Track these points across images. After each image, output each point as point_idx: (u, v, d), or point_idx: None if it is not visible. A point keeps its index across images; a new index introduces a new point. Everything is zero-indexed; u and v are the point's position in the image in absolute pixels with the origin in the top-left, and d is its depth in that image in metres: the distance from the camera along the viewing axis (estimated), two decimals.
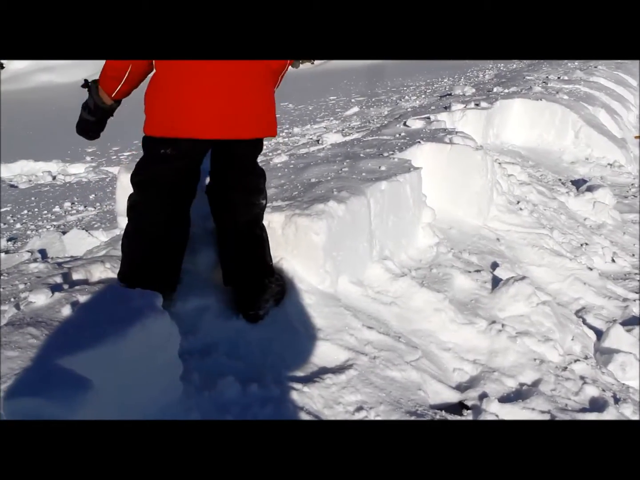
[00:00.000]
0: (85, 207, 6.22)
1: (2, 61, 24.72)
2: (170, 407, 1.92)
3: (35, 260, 2.65)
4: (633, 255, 4.36)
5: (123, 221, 2.50)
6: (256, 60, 2.23)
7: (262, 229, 2.54)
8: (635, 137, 7.67)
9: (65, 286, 2.09)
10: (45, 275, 2.27)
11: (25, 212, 6.13)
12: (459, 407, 2.42)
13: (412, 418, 2.19)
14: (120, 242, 2.37)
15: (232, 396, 2.11)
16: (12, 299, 2.14)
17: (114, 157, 9.77)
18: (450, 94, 8.09)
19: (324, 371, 2.37)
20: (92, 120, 2.42)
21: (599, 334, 3.14)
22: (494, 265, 3.52)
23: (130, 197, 2.32)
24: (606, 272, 3.97)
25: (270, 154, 7.36)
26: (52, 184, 7.63)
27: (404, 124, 5.15)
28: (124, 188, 3.03)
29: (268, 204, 2.73)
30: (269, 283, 2.53)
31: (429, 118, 5.37)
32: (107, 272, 2.35)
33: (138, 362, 1.81)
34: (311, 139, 8.59)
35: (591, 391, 2.53)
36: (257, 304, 2.50)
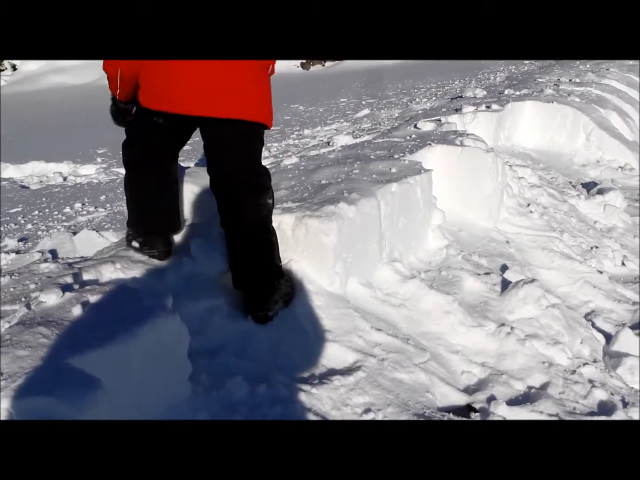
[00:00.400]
0: (95, 208, 6.23)
1: (15, 62, 24.85)
2: (179, 406, 1.93)
3: (46, 261, 2.66)
4: None
5: None
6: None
7: (271, 232, 2.55)
8: None
9: (76, 286, 2.10)
10: (56, 275, 2.28)
11: (36, 212, 6.14)
12: (467, 409, 2.42)
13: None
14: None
15: (240, 396, 2.12)
16: (23, 299, 2.15)
17: None
18: (461, 96, 8.06)
19: (332, 372, 2.37)
20: (117, 116, 2.70)
21: (608, 337, 3.13)
22: (504, 268, 3.52)
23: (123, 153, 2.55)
24: (616, 275, 3.95)
25: (280, 156, 7.36)
26: (63, 185, 7.64)
27: (415, 126, 5.14)
28: None
29: (278, 205, 2.74)
30: (279, 284, 2.54)
31: (439, 120, 5.36)
32: (117, 272, 2.36)
33: (148, 362, 1.82)
34: (322, 140, 8.57)
35: (600, 395, 2.52)
36: (266, 305, 2.51)
